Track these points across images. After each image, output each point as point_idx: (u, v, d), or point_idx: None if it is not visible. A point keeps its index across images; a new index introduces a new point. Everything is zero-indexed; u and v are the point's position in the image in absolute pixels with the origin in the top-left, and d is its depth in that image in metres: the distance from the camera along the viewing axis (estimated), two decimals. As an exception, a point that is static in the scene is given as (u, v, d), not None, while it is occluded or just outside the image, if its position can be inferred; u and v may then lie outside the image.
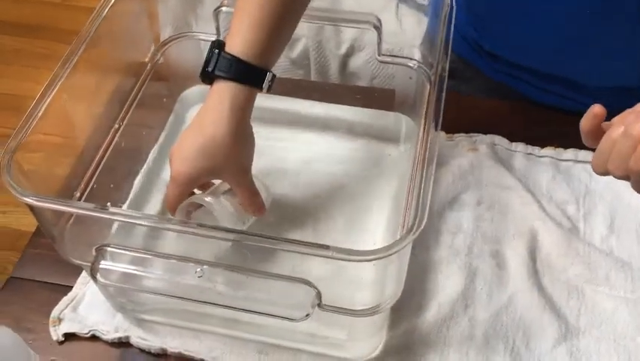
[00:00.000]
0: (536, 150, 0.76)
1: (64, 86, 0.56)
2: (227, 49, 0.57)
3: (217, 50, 0.57)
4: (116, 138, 0.64)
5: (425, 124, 0.60)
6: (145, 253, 0.49)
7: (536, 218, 0.70)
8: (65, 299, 0.66)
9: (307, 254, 0.44)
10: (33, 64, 1.98)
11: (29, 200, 0.46)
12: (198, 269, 0.48)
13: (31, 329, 0.65)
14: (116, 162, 0.63)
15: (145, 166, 0.72)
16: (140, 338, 0.63)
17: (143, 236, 0.63)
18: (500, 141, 0.77)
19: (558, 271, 0.66)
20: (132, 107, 0.68)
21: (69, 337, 0.64)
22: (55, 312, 0.65)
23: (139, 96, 0.70)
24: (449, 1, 0.59)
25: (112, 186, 0.64)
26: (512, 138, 0.77)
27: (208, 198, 0.60)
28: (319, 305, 0.48)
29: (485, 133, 0.78)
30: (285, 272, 0.48)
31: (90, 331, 0.64)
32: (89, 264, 0.51)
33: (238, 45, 0.57)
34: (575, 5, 0.66)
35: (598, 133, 0.51)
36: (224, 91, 0.57)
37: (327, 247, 0.44)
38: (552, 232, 0.68)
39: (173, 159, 0.58)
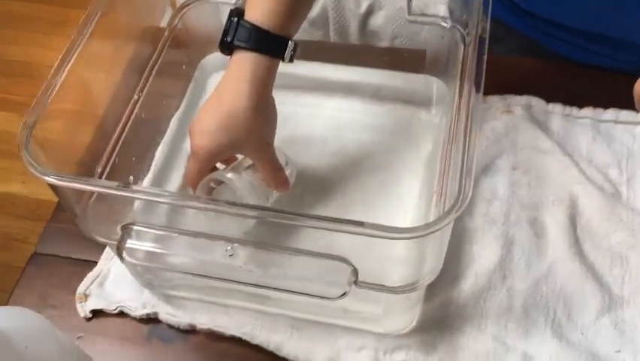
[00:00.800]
0: (574, 110, 0.72)
1: (81, 55, 0.53)
2: (247, 17, 0.54)
3: (236, 19, 0.54)
4: (135, 110, 0.61)
5: (461, 86, 0.57)
6: (173, 231, 0.47)
7: (576, 182, 0.66)
8: (90, 275, 0.64)
9: (339, 231, 0.42)
10: (44, 30, 1.95)
11: (51, 179, 0.44)
12: (229, 247, 0.45)
13: (57, 305, 0.64)
14: (136, 134, 0.61)
15: (166, 137, 0.70)
16: (168, 313, 0.61)
17: (167, 212, 0.61)
18: (536, 102, 0.73)
19: (600, 238, 0.63)
20: (151, 76, 0.65)
21: (96, 313, 0.63)
22: (81, 288, 0.64)
23: (158, 64, 0.67)
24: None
25: (134, 159, 0.62)
26: (549, 99, 0.73)
27: (229, 175, 0.57)
28: (355, 283, 0.46)
29: (520, 94, 0.74)
30: (317, 248, 0.46)
31: (118, 307, 0.62)
32: (115, 242, 0.49)
33: (258, 14, 0.54)
34: None
35: None
36: (244, 62, 0.54)
37: (361, 224, 0.41)
38: (593, 196, 0.65)
39: (192, 133, 0.56)
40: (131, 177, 0.61)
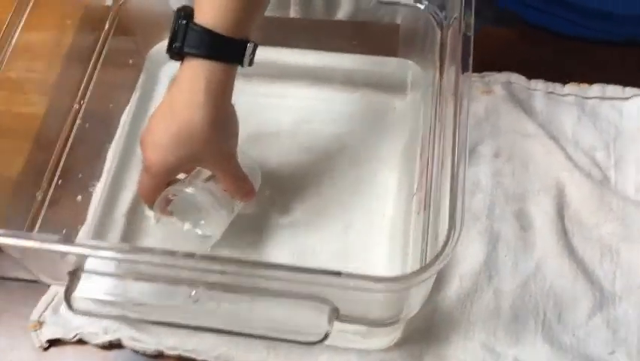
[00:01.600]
0: (558, 87, 0.68)
1: (7, 68, 0.46)
2: (197, 19, 0.47)
3: (185, 22, 0.47)
4: (77, 121, 0.55)
5: (441, 73, 0.52)
6: (127, 276, 0.41)
7: (562, 169, 0.62)
8: (44, 299, 0.59)
9: (315, 284, 0.37)
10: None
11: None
12: (193, 292, 0.40)
13: (10, 334, 0.58)
14: (80, 148, 0.54)
15: (116, 140, 0.63)
16: (132, 338, 0.56)
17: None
18: (517, 79, 0.68)
19: (589, 230, 0.60)
20: (94, 77, 0.58)
21: (53, 342, 0.57)
22: (34, 315, 0.58)
23: (100, 59, 0.60)
24: None
25: (80, 176, 0.55)
26: (530, 75, 0.68)
27: (189, 190, 0.52)
28: (337, 318, 0.42)
29: (499, 71, 0.69)
30: (293, 286, 0.41)
31: (76, 335, 0.57)
32: (63, 285, 0.43)
33: (209, 15, 0.47)
34: None
35: None
36: (197, 70, 0.47)
37: (338, 274, 0.36)
38: (581, 184, 0.61)
39: (144, 145, 0.50)
40: (79, 197, 0.55)
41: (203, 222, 0.55)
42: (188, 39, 0.47)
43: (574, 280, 0.57)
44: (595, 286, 0.57)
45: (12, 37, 0.48)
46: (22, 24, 0.49)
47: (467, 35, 0.45)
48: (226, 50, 0.48)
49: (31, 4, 0.49)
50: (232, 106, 0.51)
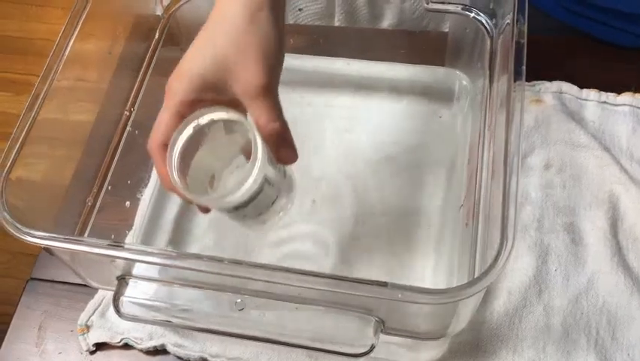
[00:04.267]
0: (611, 97, 0.65)
1: (61, 77, 0.47)
2: None
3: None
4: (127, 128, 0.55)
5: (491, 82, 0.51)
6: (174, 282, 0.42)
7: (616, 182, 0.60)
8: (92, 303, 0.60)
9: (360, 295, 0.36)
10: (38, 2, 1.87)
11: (35, 240, 0.38)
12: (238, 300, 0.40)
13: (58, 338, 0.59)
14: (129, 155, 0.55)
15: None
16: (176, 345, 0.57)
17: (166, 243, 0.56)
18: (569, 88, 0.66)
19: (645, 246, 0.57)
20: (144, 85, 0.59)
21: (100, 346, 0.58)
22: (82, 319, 0.59)
23: (150, 68, 0.61)
24: None
25: (129, 182, 0.56)
26: (582, 84, 0.66)
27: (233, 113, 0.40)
28: (382, 331, 0.41)
29: (550, 80, 0.67)
30: (341, 296, 0.41)
31: (122, 339, 0.58)
32: (111, 290, 0.44)
33: None
34: None
35: None
36: None
37: (385, 284, 0.35)
38: (636, 198, 0.59)
39: (167, 86, 0.42)
40: (128, 203, 0.56)
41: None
42: None
43: (629, 298, 0.55)
44: (651, 305, 0.55)
45: (65, 48, 0.50)
46: (75, 34, 0.50)
47: (520, 43, 0.44)
48: None
49: (84, 15, 0.50)
50: (281, 23, 0.43)
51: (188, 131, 0.40)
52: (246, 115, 0.42)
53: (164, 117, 0.41)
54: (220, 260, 0.36)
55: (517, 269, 0.57)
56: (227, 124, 0.41)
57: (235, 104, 0.42)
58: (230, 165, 0.44)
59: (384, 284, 0.35)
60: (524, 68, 0.43)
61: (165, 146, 0.41)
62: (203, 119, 0.40)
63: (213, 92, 0.41)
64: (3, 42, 1.81)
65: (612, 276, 0.56)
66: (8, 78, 1.76)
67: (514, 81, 0.43)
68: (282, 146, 0.42)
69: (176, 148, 0.40)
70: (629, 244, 0.58)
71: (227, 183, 0.42)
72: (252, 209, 0.41)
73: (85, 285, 0.60)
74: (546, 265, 0.57)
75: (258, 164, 0.39)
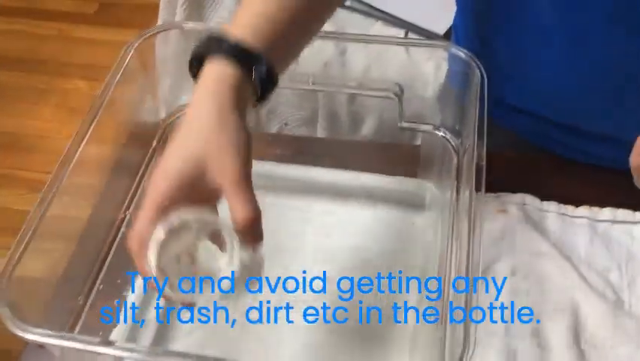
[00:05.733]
0: (570, 209, 0.71)
1: (63, 190, 0.51)
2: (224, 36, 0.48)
3: (210, 36, 0.49)
4: (122, 228, 0.59)
5: (458, 194, 0.56)
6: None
7: (577, 289, 0.65)
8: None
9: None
10: (32, 100, 1.94)
11: (32, 337, 0.41)
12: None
13: None
14: (122, 256, 0.58)
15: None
16: None
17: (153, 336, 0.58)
18: (531, 200, 0.72)
19: (606, 352, 0.61)
20: (139, 189, 0.63)
21: None
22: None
23: (147, 173, 0.65)
24: (479, 75, 0.54)
25: (119, 281, 0.59)
26: (543, 197, 0.72)
27: (183, 215, 0.43)
28: None
29: (514, 192, 0.73)
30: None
31: None
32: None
33: (235, 31, 0.48)
34: (612, 57, 0.62)
35: None
36: (210, 73, 0.47)
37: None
38: (595, 305, 0.63)
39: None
40: (116, 302, 0.59)
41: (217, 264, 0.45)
42: (207, 47, 0.48)
43: (592, 402, 0.58)
44: (613, 410, 0.58)
45: (75, 152, 0.54)
46: (85, 140, 0.54)
47: (479, 165, 0.50)
48: (241, 55, 0.47)
49: (94, 124, 0.55)
50: (243, 120, 0.47)
51: (160, 234, 0.43)
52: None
53: (147, 213, 0.44)
54: (204, 359, 0.39)
55: (487, 370, 0.60)
56: (204, 225, 0.45)
57: (213, 195, 0.46)
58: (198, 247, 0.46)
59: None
60: (483, 187, 0.49)
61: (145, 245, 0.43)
62: (176, 220, 0.43)
63: (191, 188, 0.45)
64: (-7, 138, 1.86)
65: (576, 382, 0.59)
66: (-4, 173, 1.80)
67: (475, 195, 0.48)
68: (252, 233, 0.45)
69: (152, 247, 0.43)
70: (590, 351, 0.61)
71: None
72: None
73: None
74: (513, 368, 0.60)
75: (234, 254, 0.43)
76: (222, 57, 0.47)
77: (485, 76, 0.54)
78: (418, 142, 0.69)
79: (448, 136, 0.62)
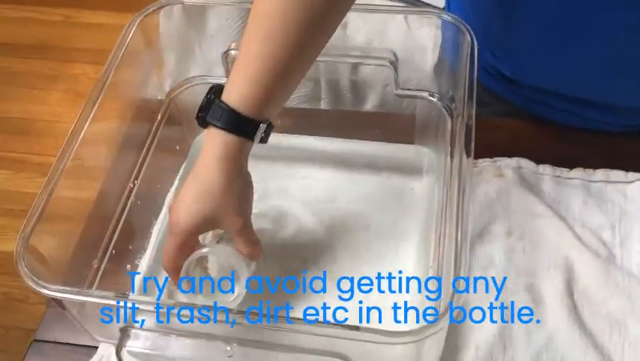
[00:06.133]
0: (565, 172, 0.73)
1: (76, 155, 0.54)
2: (223, 98, 0.55)
3: (213, 97, 0.55)
4: (131, 198, 0.62)
5: (452, 157, 0.58)
6: (171, 332, 0.47)
7: (571, 247, 0.67)
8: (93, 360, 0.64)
9: (335, 337, 0.42)
10: (41, 85, 1.98)
11: (51, 293, 0.44)
12: (228, 348, 0.46)
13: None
14: (132, 223, 0.62)
15: (160, 216, 0.70)
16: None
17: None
18: (526, 164, 0.74)
19: (598, 305, 0.63)
20: (146, 161, 0.66)
21: (100, 401, 0.62)
22: (82, 376, 0.63)
23: (153, 146, 0.68)
24: (469, 39, 0.56)
25: (130, 247, 0.62)
26: (539, 161, 0.74)
27: (205, 250, 0.58)
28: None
29: (510, 156, 0.75)
30: (317, 343, 0.46)
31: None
32: (114, 342, 0.49)
33: (234, 96, 0.55)
34: (606, 26, 0.63)
35: None
36: (216, 138, 0.55)
37: (357, 328, 0.41)
38: (588, 261, 0.66)
39: (171, 211, 0.56)
40: (128, 266, 0.62)
41: (230, 282, 0.59)
42: (212, 112, 0.55)
43: (584, 353, 0.61)
44: (605, 359, 0.60)
45: (80, 131, 0.57)
46: (90, 118, 0.58)
47: (469, 124, 0.52)
48: (241, 127, 0.55)
49: (99, 100, 0.57)
50: (248, 174, 0.58)
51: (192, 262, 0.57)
52: None
53: (172, 253, 0.56)
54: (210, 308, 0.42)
55: (484, 326, 0.63)
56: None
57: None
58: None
59: (356, 327, 0.41)
60: (473, 145, 0.51)
61: (177, 268, 0.56)
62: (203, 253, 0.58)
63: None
64: (6, 123, 1.90)
65: (569, 333, 0.62)
66: (8, 157, 1.84)
67: (466, 157, 0.50)
68: (255, 256, 0.60)
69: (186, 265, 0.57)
70: (583, 304, 0.64)
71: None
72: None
73: (85, 345, 0.65)
74: (509, 323, 0.63)
75: (241, 281, 0.58)
76: (224, 130, 0.54)
77: (474, 39, 0.56)
78: (413, 106, 0.71)
79: (444, 102, 0.64)
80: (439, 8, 0.85)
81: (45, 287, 0.45)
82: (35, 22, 2.14)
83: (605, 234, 0.68)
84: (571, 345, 0.61)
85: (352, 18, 1.00)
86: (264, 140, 0.57)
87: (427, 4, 1.06)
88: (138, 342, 0.48)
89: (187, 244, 0.56)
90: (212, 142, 0.55)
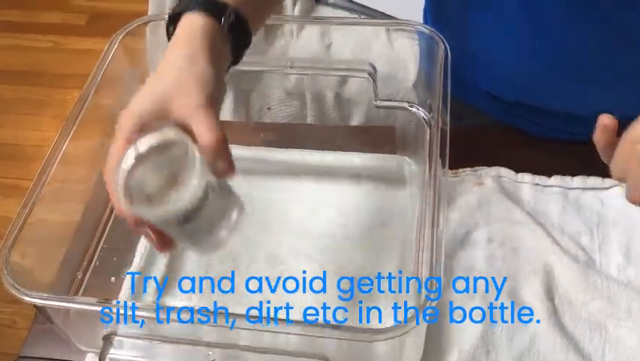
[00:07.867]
0: (543, 179, 0.75)
1: (63, 160, 0.55)
2: None
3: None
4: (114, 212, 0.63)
5: (430, 168, 0.59)
6: (153, 339, 0.47)
7: (550, 252, 0.68)
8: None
9: (317, 336, 0.43)
10: (31, 111, 1.99)
11: (34, 300, 0.45)
12: (210, 353, 0.46)
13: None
14: (117, 235, 0.62)
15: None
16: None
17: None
18: (506, 172, 0.75)
19: (578, 308, 0.64)
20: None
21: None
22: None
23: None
24: (443, 48, 0.57)
25: (115, 259, 0.63)
26: (518, 169, 0.76)
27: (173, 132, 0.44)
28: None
29: (490, 166, 0.76)
30: (298, 344, 0.47)
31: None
32: (97, 351, 0.49)
33: None
34: (574, 39, 0.65)
35: (614, 146, 0.49)
36: (182, 22, 0.50)
37: (337, 327, 0.42)
38: (568, 266, 0.67)
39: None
40: (113, 279, 0.62)
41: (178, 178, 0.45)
42: (181, 5, 0.51)
43: (566, 354, 0.61)
44: None
45: (59, 152, 0.57)
46: (69, 138, 0.58)
47: (444, 129, 0.53)
48: (207, 5, 0.50)
49: (78, 121, 0.58)
50: (219, 67, 0.49)
51: (130, 159, 0.44)
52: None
53: (115, 149, 0.46)
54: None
55: (467, 331, 0.63)
56: (166, 146, 0.45)
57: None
58: (171, 183, 0.45)
59: (336, 326, 0.42)
60: (447, 150, 0.52)
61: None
62: (142, 146, 0.44)
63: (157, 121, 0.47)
64: (-5, 149, 1.90)
65: (551, 336, 0.62)
66: (-1, 183, 1.84)
67: (441, 164, 0.51)
68: (218, 158, 0.45)
69: (120, 175, 0.44)
70: (564, 307, 0.65)
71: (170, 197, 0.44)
72: (203, 221, 0.44)
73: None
74: (492, 327, 0.64)
75: (197, 165, 0.43)
76: (193, 12, 0.50)
77: (448, 48, 0.58)
78: (394, 117, 0.73)
79: (422, 112, 0.66)
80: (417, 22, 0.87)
81: (28, 295, 0.45)
82: (24, 49, 2.17)
83: (584, 239, 0.69)
84: (552, 348, 0.62)
85: (337, 37, 1.02)
86: (238, 52, 0.52)
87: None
88: (122, 350, 0.48)
89: (132, 130, 0.46)
90: (177, 32, 0.50)
